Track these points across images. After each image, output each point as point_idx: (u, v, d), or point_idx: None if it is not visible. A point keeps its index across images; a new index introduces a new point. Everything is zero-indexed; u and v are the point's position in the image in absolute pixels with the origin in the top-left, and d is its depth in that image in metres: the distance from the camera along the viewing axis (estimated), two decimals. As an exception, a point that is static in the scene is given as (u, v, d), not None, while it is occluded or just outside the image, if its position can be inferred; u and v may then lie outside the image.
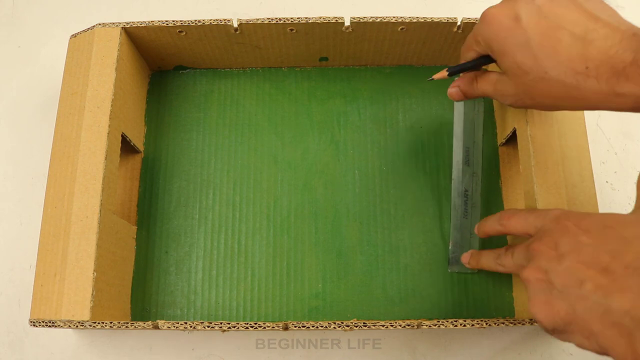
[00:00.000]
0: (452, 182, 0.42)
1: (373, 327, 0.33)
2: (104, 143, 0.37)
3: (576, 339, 0.27)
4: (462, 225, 0.41)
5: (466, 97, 0.37)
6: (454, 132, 0.42)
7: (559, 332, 0.28)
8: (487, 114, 0.45)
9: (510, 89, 0.32)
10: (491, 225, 0.37)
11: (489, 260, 0.37)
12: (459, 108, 0.42)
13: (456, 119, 0.42)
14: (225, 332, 0.40)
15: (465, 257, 0.40)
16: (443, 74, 0.36)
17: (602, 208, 0.39)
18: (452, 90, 0.37)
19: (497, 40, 0.31)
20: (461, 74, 0.37)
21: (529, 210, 0.33)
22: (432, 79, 0.37)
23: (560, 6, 0.30)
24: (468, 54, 0.35)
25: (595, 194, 0.37)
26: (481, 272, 0.41)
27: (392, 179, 0.44)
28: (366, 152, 0.44)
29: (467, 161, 0.42)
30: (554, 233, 0.29)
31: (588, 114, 0.40)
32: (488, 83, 0.35)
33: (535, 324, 0.34)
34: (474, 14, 0.41)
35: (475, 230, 0.39)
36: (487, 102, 0.45)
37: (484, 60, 0.34)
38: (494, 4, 0.32)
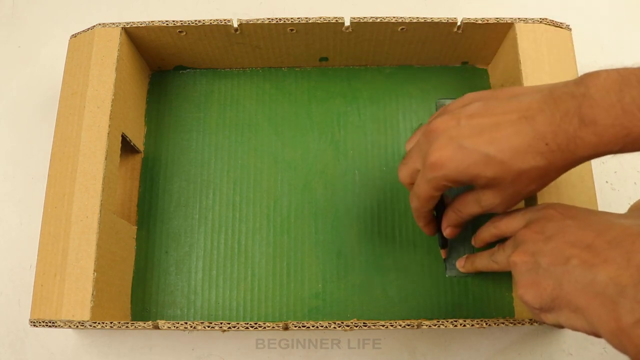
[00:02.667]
0: None
1: (373, 327, 0.34)
2: (104, 143, 0.37)
3: (563, 315, 0.28)
4: None
5: (462, 225, 0.37)
6: None
7: (546, 310, 0.28)
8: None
9: (496, 199, 0.32)
10: (487, 230, 0.37)
11: (484, 260, 0.37)
12: None
13: None
14: (225, 332, 0.40)
15: (461, 262, 0.40)
16: (444, 251, 0.41)
17: (602, 208, 0.38)
18: (448, 232, 0.38)
19: (461, 173, 0.31)
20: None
21: (518, 209, 0.34)
22: (445, 257, 0.41)
23: (481, 116, 0.30)
24: (428, 205, 0.35)
25: (595, 194, 0.37)
26: (479, 273, 0.41)
27: (392, 179, 0.44)
28: (366, 152, 0.44)
29: None
30: (541, 220, 0.31)
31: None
32: (473, 206, 0.34)
33: (535, 324, 0.34)
34: (474, 14, 0.41)
35: (473, 242, 0.40)
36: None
37: (442, 202, 0.38)
38: (437, 146, 0.31)
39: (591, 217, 0.29)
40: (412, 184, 0.35)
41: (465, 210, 0.35)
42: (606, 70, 0.28)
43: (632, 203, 0.44)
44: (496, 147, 0.30)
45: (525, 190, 0.31)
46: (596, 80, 0.27)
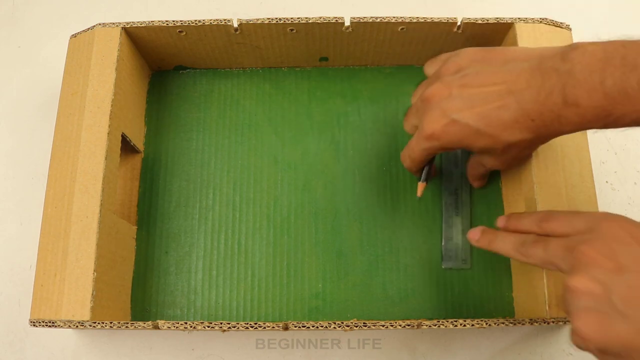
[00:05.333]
0: (443, 182, 0.43)
1: (373, 327, 0.34)
2: (104, 143, 0.37)
3: None
4: (454, 222, 0.42)
5: (482, 179, 0.42)
6: None
7: (610, 354, 0.25)
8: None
9: (495, 162, 0.36)
10: (528, 225, 0.32)
11: (507, 245, 0.33)
12: None
13: None
14: (225, 332, 0.40)
15: (475, 234, 0.35)
16: (421, 186, 0.40)
17: (602, 208, 0.38)
18: (475, 184, 0.42)
19: (454, 144, 0.34)
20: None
21: (571, 213, 0.30)
22: (420, 196, 0.40)
23: (472, 86, 0.32)
24: (421, 165, 0.38)
25: (595, 194, 0.37)
26: (480, 270, 0.41)
27: (392, 179, 0.44)
28: (366, 152, 0.44)
29: (455, 164, 0.43)
30: (607, 239, 0.26)
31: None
32: (479, 167, 0.39)
33: (535, 323, 0.34)
34: (474, 14, 0.41)
35: (501, 224, 0.35)
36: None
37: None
38: (430, 118, 0.34)
39: None
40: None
41: (475, 170, 0.40)
42: (592, 45, 0.28)
43: (632, 204, 0.44)
44: (486, 122, 0.32)
45: (519, 155, 0.35)
46: (581, 57, 0.28)
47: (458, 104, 0.32)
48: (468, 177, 0.42)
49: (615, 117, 0.28)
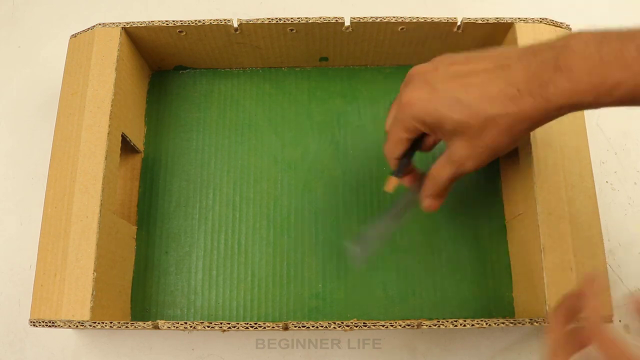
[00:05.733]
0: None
1: (373, 327, 0.34)
2: (104, 143, 0.37)
3: None
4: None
5: (441, 195, 0.35)
6: None
7: None
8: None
9: (465, 150, 0.32)
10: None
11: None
12: None
13: None
14: (225, 332, 0.40)
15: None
16: (393, 181, 0.36)
17: (602, 208, 0.38)
18: (427, 203, 0.36)
19: (429, 114, 0.31)
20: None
21: None
22: (388, 190, 0.37)
23: (460, 64, 0.31)
24: (397, 149, 0.35)
25: (595, 194, 0.37)
26: (480, 270, 0.41)
27: (392, 179, 0.44)
28: (366, 152, 0.44)
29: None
30: None
31: (588, 114, 0.40)
32: (445, 166, 0.33)
33: (535, 323, 0.34)
34: (474, 14, 0.41)
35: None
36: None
37: (413, 148, 0.35)
38: (411, 88, 0.32)
39: None
40: None
41: (439, 175, 0.34)
42: (588, 30, 0.28)
43: (632, 204, 0.44)
44: (466, 91, 0.30)
45: (495, 142, 0.31)
46: (577, 35, 0.27)
47: (442, 76, 0.31)
48: (424, 191, 0.36)
49: (610, 86, 0.26)
